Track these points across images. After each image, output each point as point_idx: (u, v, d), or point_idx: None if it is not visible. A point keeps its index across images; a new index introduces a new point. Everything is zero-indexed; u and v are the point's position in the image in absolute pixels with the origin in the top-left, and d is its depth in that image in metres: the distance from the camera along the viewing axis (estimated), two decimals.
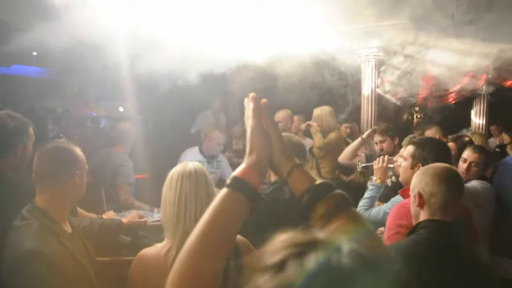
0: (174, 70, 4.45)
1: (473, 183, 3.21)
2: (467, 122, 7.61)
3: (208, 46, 3.93)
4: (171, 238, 1.76)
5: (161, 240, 1.91)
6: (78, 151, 1.90)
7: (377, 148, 3.96)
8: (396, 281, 0.75)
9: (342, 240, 0.70)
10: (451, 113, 7.23)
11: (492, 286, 1.77)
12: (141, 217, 2.75)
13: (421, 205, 1.82)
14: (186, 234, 1.64)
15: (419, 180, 1.86)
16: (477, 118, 7.47)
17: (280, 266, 0.65)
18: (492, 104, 7.11)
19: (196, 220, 1.60)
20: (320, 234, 0.75)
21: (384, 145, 3.81)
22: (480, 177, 3.36)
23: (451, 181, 1.82)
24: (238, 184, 0.99)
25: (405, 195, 2.36)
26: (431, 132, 5.02)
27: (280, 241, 0.71)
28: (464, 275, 1.67)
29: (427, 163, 2.26)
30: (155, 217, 3.10)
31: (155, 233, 2.83)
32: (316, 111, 4.57)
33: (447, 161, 2.20)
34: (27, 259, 1.59)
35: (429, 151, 2.39)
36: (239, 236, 1.87)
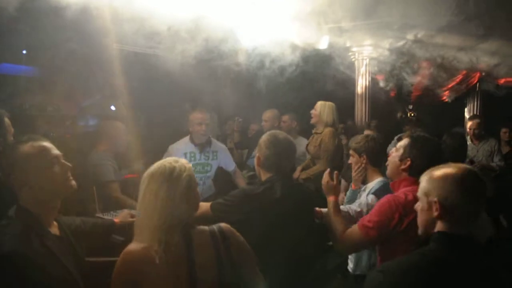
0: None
1: None
2: (460, 120, 7.65)
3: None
4: (151, 236, 1.72)
5: None
6: (48, 145, 1.83)
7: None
8: None
9: None
10: (444, 112, 7.26)
11: None
12: (132, 216, 2.68)
13: (441, 215, 1.56)
14: (167, 232, 1.69)
15: (439, 186, 1.58)
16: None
17: None
18: (486, 101, 7.14)
19: (172, 219, 1.66)
20: None
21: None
22: None
23: (477, 189, 1.58)
24: None
25: (396, 189, 2.33)
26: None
27: None
28: None
29: (416, 161, 2.25)
30: None
31: None
32: (320, 104, 4.54)
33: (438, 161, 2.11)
34: (7, 260, 1.54)
35: (421, 150, 2.28)
36: (224, 224, 1.88)
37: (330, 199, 2.44)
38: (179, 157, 4.36)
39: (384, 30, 5.30)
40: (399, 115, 7.66)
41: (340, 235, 2.26)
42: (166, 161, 1.83)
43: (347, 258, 3.15)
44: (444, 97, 6.90)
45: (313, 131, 4.60)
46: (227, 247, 1.80)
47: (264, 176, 2.39)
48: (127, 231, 2.70)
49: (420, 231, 1.67)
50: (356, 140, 3.07)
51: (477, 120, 5.39)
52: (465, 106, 7.45)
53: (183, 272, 1.70)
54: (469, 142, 5.35)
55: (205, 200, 2.44)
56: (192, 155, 4.15)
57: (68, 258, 1.78)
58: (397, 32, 5.17)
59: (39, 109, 5.25)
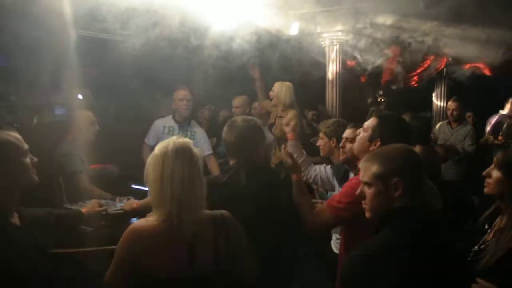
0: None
1: None
2: (429, 104, 7.81)
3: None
4: (166, 209, 1.80)
5: (123, 230, 1.86)
6: (19, 137, 1.80)
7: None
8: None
9: None
10: (413, 96, 7.38)
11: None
12: (101, 206, 2.64)
13: (402, 193, 1.63)
14: (180, 203, 1.76)
15: (398, 166, 1.66)
16: (438, 100, 7.68)
17: None
18: (452, 86, 7.30)
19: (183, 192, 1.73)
20: None
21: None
22: None
23: (420, 163, 1.71)
24: None
25: None
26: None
27: None
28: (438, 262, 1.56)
29: (386, 141, 2.17)
30: (117, 206, 3.00)
31: (118, 222, 2.74)
32: (277, 84, 4.53)
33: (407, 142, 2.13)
34: None
35: (391, 129, 2.25)
36: (226, 211, 1.95)
37: (293, 178, 2.44)
38: (159, 129, 4.48)
39: (354, 16, 5.33)
40: (369, 100, 7.74)
41: (308, 215, 2.27)
42: (172, 140, 1.89)
43: (323, 242, 3.22)
44: (413, 82, 7.01)
45: (276, 116, 4.59)
46: (226, 234, 1.88)
47: (231, 162, 2.39)
48: (95, 221, 2.67)
49: (370, 215, 1.72)
50: (327, 124, 3.16)
51: (457, 102, 5.45)
52: (433, 91, 7.60)
53: (183, 252, 1.79)
54: (446, 125, 5.48)
55: None
56: (171, 129, 4.39)
57: (30, 249, 1.74)
58: (367, 17, 5.20)
59: (1, 98, 5.07)
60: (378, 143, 2.25)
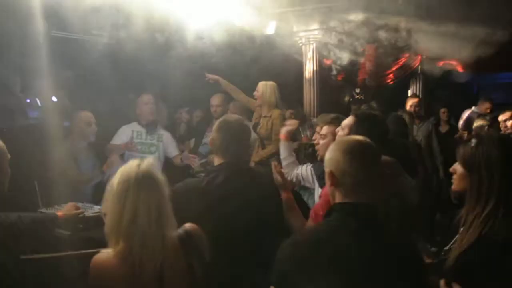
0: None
1: None
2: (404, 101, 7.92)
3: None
4: (125, 243, 1.67)
5: (101, 233, 1.81)
6: None
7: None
8: None
9: None
10: (389, 94, 7.47)
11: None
12: (77, 208, 2.59)
13: (334, 185, 1.60)
14: (143, 236, 1.64)
15: (330, 157, 1.63)
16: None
17: None
18: (427, 83, 7.43)
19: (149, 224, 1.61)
20: None
21: None
22: None
23: (364, 157, 1.61)
24: None
25: None
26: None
27: None
28: (378, 261, 1.49)
29: None
30: (95, 209, 2.95)
31: (95, 225, 2.69)
32: (261, 84, 4.55)
33: (384, 140, 2.13)
34: None
35: (368, 128, 2.24)
36: (188, 224, 1.85)
37: (283, 196, 2.38)
38: (127, 135, 4.48)
39: (330, 14, 5.38)
40: (346, 98, 7.82)
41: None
42: (135, 166, 1.74)
43: None
44: (389, 80, 7.11)
45: (261, 116, 4.60)
46: (196, 249, 1.78)
47: (217, 162, 2.36)
48: (72, 224, 2.62)
49: (331, 202, 1.68)
50: (327, 119, 3.07)
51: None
52: (408, 88, 7.72)
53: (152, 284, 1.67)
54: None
55: None
56: (139, 134, 4.43)
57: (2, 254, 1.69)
58: (343, 15, 5.25)
59: None
60: None
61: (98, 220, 2.81)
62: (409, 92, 7.59)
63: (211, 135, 2.40)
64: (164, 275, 1.67)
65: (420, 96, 7.01)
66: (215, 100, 5.02)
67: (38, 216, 2.43)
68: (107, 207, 1.73)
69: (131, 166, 1.73)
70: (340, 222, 1.56)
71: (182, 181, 2.36)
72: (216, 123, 2.39)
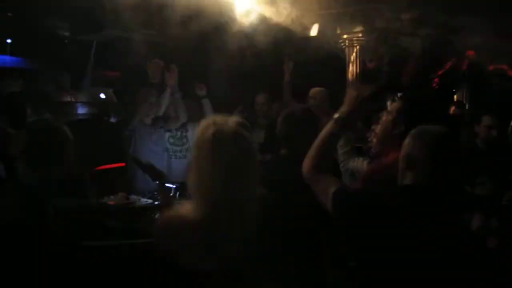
0: None
1: None
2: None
3: None
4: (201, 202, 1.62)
5: (149, 224, 1.86)
6: None
7: None
8: None
9: None
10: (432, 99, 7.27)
11: None
12: (127, 199, 2.67)
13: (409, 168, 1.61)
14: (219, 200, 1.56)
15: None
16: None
17: None
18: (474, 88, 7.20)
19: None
20: None
21: None
22: None
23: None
24: None
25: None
26: None
27: None
28: None
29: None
30: (142, 201, 3.04)
31: (144, 216, 2.77)
32: (318, 92, 4.57)
33: None
34: None
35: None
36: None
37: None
38: None
39: (375, 16, 5.30)
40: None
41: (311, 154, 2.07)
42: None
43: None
44: (434, 84, 6.93)
45: None
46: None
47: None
48: (122, 215, 2.70)
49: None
50: None
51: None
52: (454, 93, 7.49)
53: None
54: None
55: None
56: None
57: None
58: (387, 17, 5.16)
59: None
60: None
61: (146, 212, 2.90)
62: (455, 97, 7.38)
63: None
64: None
65: (465, 102, 6.81)
66: (312, 92, 4.89)
67: (91, 204, 2.52)
68: (193, 162, 1.66)
69: (220, 121, 1.63)
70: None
71: None
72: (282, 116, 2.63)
